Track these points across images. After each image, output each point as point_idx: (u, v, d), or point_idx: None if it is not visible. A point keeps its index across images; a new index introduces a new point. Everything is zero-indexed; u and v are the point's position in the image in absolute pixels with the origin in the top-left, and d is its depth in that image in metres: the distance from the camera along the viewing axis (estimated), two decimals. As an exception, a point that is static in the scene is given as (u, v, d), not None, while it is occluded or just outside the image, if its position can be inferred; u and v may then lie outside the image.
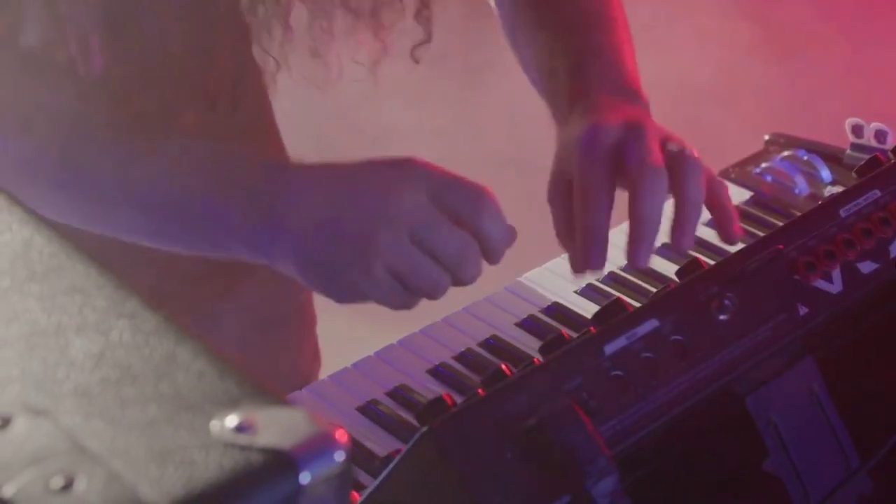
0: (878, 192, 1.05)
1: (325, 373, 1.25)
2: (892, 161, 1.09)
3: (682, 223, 0.99)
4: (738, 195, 1.46)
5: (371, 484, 0.88)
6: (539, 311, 1.20)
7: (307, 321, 1.50)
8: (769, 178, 1.49)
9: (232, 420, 0.54)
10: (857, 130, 1.45)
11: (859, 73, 3.43)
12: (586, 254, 1.00)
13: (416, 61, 1.23)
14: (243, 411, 0.55)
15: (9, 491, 0.51)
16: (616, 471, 0.81)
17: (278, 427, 0.54)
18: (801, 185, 1.46)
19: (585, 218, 1.01)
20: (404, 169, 0.93)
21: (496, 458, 0.82)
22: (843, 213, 1.03)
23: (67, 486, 0.51)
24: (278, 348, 1.47)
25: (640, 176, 0.98)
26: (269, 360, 1.45)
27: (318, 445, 0.54)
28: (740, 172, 1.50)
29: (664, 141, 1.03)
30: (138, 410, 0.55)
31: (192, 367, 0.57)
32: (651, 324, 0.91)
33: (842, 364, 1.13)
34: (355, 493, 0.90)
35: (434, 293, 0.94)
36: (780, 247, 0.98)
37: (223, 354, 0.58)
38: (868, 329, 1.11)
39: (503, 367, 0.87)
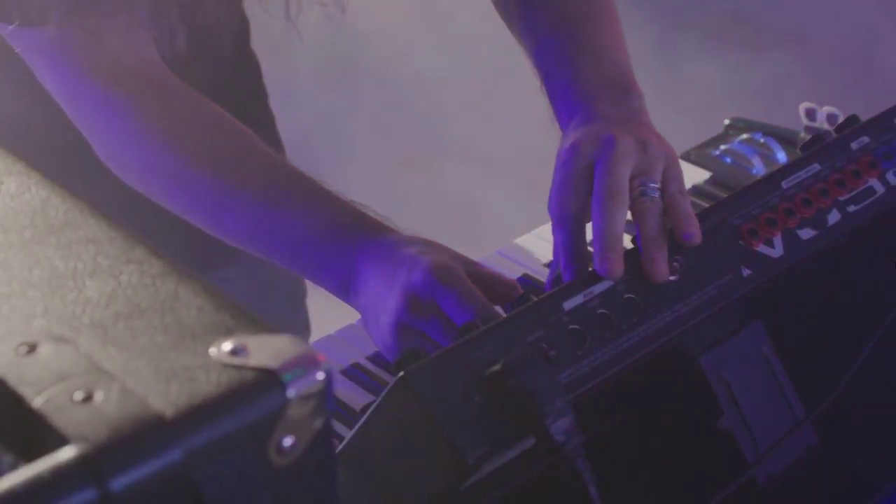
0: (817, 166, 1.14)
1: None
2: (833, 138, 1.18)
3: (646, 257, 1.04)
4: (698, 175, 1.55)
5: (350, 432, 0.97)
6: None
7: (299, 292, 1.60)
8: (728, 160, 1.58)
9: (227, 345, 0.63)
10: (811, 114, 1.55)
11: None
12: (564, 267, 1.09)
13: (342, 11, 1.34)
14: (237, 338, 0.64)
15: (38, 402, 0.59)
16: (572, 412, 0.90)
17: (268, 350, 0.63)
18: (758, 166, 1.56)
19: (558, 234, 1.10)
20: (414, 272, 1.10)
21: (465, 401, 0.91)
22: (784, 184, 1.12)
23: (87, 398, 0.60)
24: (273, 315, 1.57)
25: (595, 198, 1.07)
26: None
27: (302, 365, 0.63)
28: (700, 154, 1.59)
29: (638, 167, 1.10)
30: (147, 339, 0.64)
31: (192, 303, 0.66)
32: (606, 283, 1.01)
33: (788, 326, 1.22)
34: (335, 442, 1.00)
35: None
36: (724, 215, 1.07)
37: (220, 291, 0.67)
38: (811, 291, 1.20)
39: (473, 322, 0.96)
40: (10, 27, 1.18)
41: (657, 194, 1.07)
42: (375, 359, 1.23)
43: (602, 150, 1.09)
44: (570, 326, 0.97)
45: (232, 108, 1.35)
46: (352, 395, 1.20)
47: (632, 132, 1.12)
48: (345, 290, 1.16)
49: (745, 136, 1.62)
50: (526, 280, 1.33)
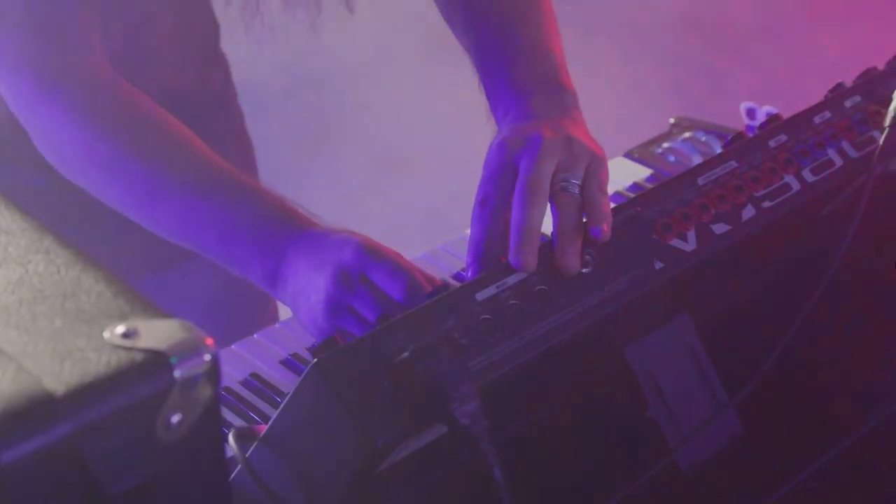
0: (734, 163, 1.18)
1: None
2: (752, 136, 1.22)
3: (558, 249, 1.08)
4: (639, 172, 1.60)
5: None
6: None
7: None
8: (671, 158, 1.63)
9: (121, 328, 0.68)
10: (751, 113, 1.59)
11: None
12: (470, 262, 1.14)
13: (351, 10, 1.39)
14: (130, 322, 0.68)
15: (-64, 379, 0.64)
16: (478, 397, 0.95)
17: (158, 333, 0.68)
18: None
19: (474, 227, 1.15)
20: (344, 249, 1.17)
21: (375, 387, 0.95)
22: (700, 181, 1.16)
23: (-16, 376, 0.64)
24: (240, 309, 1.62)
25: (516, 192, 1.12)
26: (231, 319, 1.61)
27: (190, 347, 0.67)
28: (643, 152, 1.64)
29: (562, 164, 1.14)
30: (47, 323, 0.69)
31: (93, 290, 0.71)
32: (520, 275, 1.05)
33: (713, 318, 1.26)
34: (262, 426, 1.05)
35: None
36: (638, 209, 1.12)
37: (120, 280, 0.72)
38: (732, 283, 1.24)
39: (387, 313, 1.01)
40: None
41: (576, 190, 1.11)
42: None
43: (527, 147, 1.14)
44: (483, 316, 1.02)
45: (201, 106, 1.41)
46: (289, 384, 1.24)
47: (560, 130, 1.17)
48: (272, 281, 1.21)
49: (687, 134, 1.67)
50: (462, 276, 1.38)
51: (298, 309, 1.20)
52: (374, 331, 0.98)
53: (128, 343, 0.67)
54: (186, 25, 1.50)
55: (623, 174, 1.57)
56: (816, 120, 1.24)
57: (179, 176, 1.27)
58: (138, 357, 0.66)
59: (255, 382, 1.26)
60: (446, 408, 0.94)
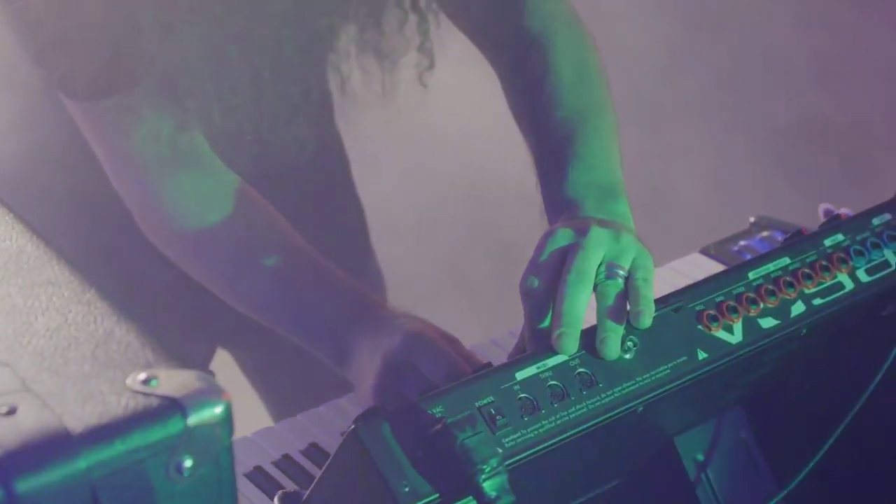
0: (787, 259, 1.20)
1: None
2: (808, 234, 1.24)
3: (599, 334, 1.10)
4: (714, 269, 1.62)
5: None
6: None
7: None
8: (747, 256, 1.64)
9: (142, 376, 0.72)
10: (828, 214, 1.60)
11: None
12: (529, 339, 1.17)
13: (424, 86, 1.44)
14: (152, 370, 0.73)
15: (-33, 411, 0.69)
16: (506, 472, 0.97)
17: (175, 382, 0.72)
18: (773, 263, 1.61)
19: (525, 307, 1.17)
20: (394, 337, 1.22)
21: (409, 455, 0.99)
22: (751, 275, 1.18)
23: (11, 412, 0.69)
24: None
25: (562, 278, 1.15)
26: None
27: (204, 397, 0.72)
28: (720, 249, 1.66)
29: (609, 254, 1.16)
30: (76, 367, 0.74)
31: (123, 340, 0.76)
32: (559, 358, 1.08)
33: (766, 411, 1.27)
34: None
35: None
36: (685, 300, 1.14)
37: (148, 332, 0.77)
38: (789, 378, 1.25)
39: (430, 386, 1.05)
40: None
41: (621, 279, 1.14)
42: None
43: (577, 235, 1.17)
44: (521, 395, 1.05)
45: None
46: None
47: (609, 225, 1.20)
48: (341, 360, 1.26)
49: (765, 233, 1.68)
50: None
51: (357, 392, 1.25)
52: (414, 402, 1.01)
53: (147, 389, 0.72)
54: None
55: (697, 270, 1.59)
56: (875, 221, 1.25)
57: (263, 258, 1.33)
58: (154, 402, 0.71)
59: (314, 451, 1.30)
60: (474, 480, 0.97)
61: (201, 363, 1.72)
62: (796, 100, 3.69)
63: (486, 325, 1.53)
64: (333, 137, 1.72)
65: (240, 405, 1.90)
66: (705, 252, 1.65)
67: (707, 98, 3.61)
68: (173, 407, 0.71)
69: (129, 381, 0.72)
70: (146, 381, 0.72)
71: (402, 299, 1.46)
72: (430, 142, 3.46)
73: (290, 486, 1.24)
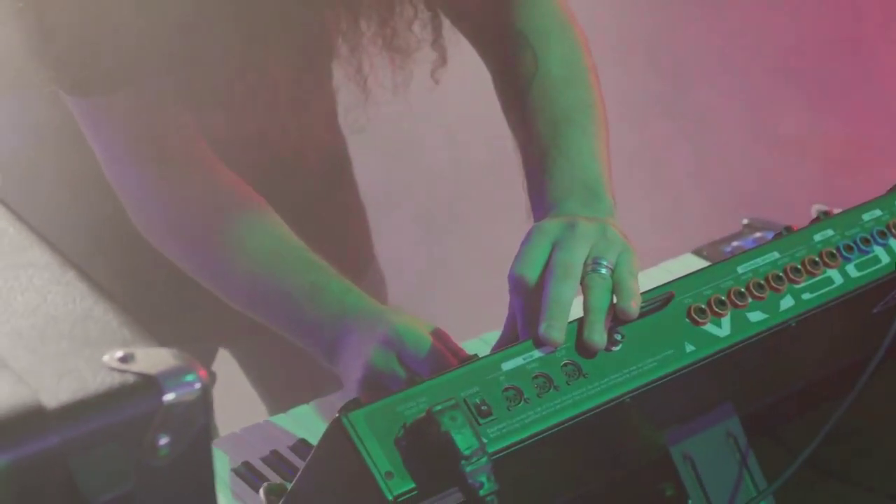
0: (776, 254, 1.20)
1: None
2: (799, 229, 1.24)
3: (585, 326, 1.11)
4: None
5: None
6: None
7: None
8: (739, 258, 1.64)
9: (118, 353, 0.72)
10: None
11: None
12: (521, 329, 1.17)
13: (436, 82, 1.44)
14: (129, 348, 0.73)
15: (-58, 388, 0.69)
16: (490, 462, 0.97)
17: (152, 360, 0.72)
18: (764, 264, 1.61)
19: (514, 300, 1.18)
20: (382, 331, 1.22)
21: (393, 444, 0.98)
22: (740, 269, 1.18)
23: (-14, 388, 0.69)
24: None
25: (548, 270, 1.15)
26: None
27: (181, 374, 0.71)
28: (712, 250, 1.66)
29: (595, 248, 1.17)
30: (53, 345, 0.74)
31: (101, 319, 0.76)
32: (545, 349, 1.07)
33: (756, 406, 1.27)
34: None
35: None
36: (672, 293, 1.14)
37: (127, 311, 0.76)
38: (778, 373, 1.25)
39: (416, 377, 1.04)
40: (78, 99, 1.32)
41: (607, 272, 1.14)
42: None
43: (564, 229, 1.17)
44: (506, 385, 1.04)
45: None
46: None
47: (595, 221, 1.20)
48: (330, 356, 1.26)
49: (758, 234, 1.68)
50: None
51: (345, 384, 1.25)
52: (398, 392, 1.01)
53: (123, 366, 0.71)
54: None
55: (690, 271, 1.58)
56: (866, 217, 1.25)
57: (255, 253, 1.33)
58: (129, 379, 0.70)
59: (303, 447, 1.30)
60: (459, 469, 0.96)
61: (201, 363, 1.71)
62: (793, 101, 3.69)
63: (475, 321, 1.51)
64: (336, 136, 1.72)
65: (240, 405, 1.90)
66: (698, 253, 1.65)
67: (700, 98, 3.60)
68: (149, 384, 0.71)
69: (105, 359, 0.72)
70: (123, 359, 0.72)
71: (392, 295, 1.46)
72: (419, 138, 3.46)
73: (277, 480, 1.23)
